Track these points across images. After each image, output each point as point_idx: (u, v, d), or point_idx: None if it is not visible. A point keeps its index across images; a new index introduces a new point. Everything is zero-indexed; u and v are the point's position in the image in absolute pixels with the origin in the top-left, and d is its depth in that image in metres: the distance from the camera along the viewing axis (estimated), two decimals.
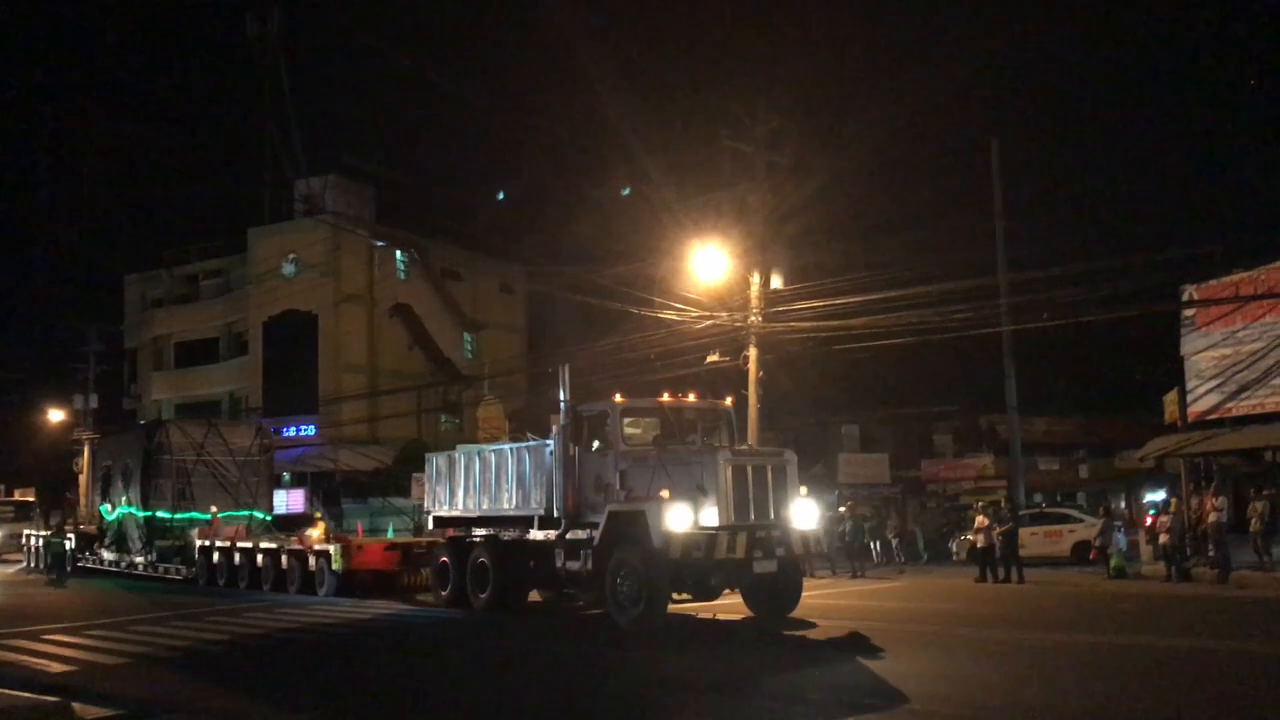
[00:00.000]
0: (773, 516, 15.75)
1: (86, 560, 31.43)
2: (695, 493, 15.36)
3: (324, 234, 44.72)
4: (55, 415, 49.42)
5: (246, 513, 28.88)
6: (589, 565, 16.47)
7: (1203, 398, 24.95)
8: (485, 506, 19.33)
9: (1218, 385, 24.53)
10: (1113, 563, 23.43)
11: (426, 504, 21.44)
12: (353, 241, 45.08)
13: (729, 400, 18.41)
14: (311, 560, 22.95)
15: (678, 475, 15.73)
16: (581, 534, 16.82)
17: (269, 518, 29.87)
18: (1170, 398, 26.97)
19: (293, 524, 29.73)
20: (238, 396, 47.98)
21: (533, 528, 18.02)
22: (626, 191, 45.67)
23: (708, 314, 24.88)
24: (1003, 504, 26.77)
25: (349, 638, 16.18)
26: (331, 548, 22.38)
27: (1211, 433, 24.69)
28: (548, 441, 17.85)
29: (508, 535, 18.79)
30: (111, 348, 50.97)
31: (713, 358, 24.98)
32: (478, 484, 19.56)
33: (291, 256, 46.78)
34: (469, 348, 50.75)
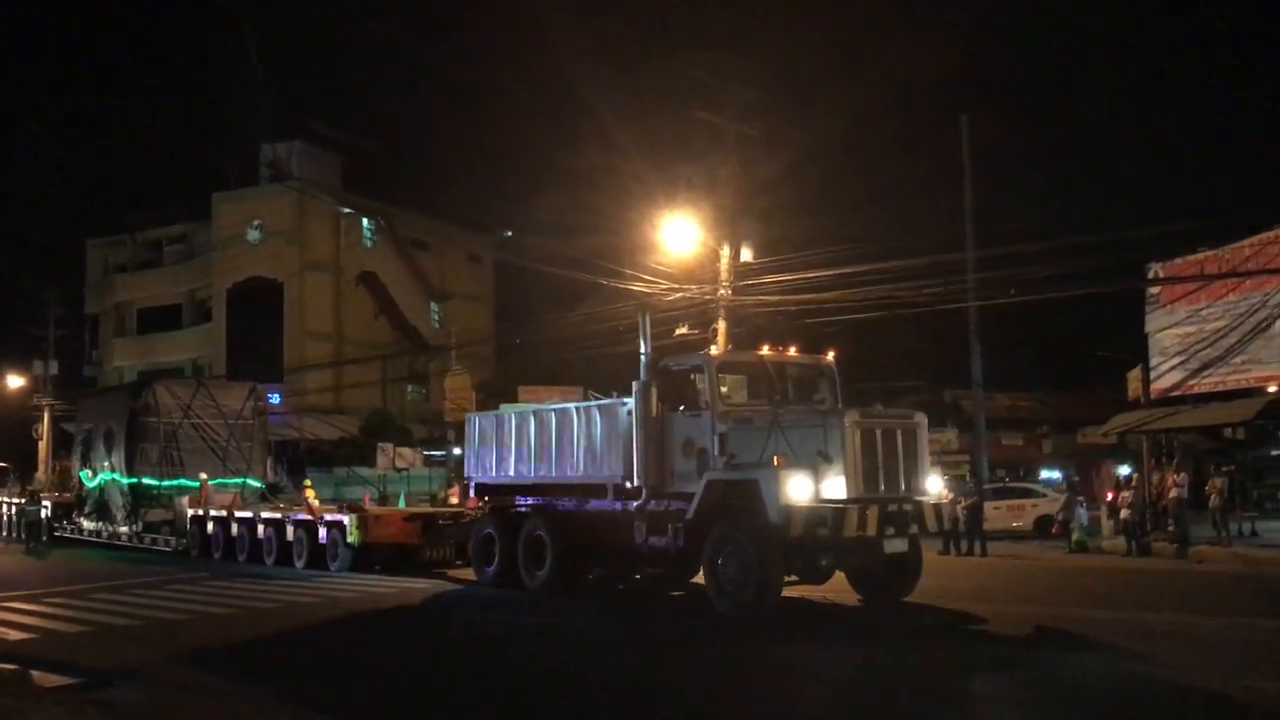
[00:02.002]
0: (904, 488, 13.86)
1: (64, 530, 29.92)
2: (816, 460, 13.33)
3: (290, 200, 44.33)
4: (14, 381, 48.74)
5: (239, 480, 27.15)
6: (679, 542, 14.57)
7: (1166, 375, 25.21)
8: (542, 473, 17.33)
9: (1181, 363, 24.80)
10: (1074, 537, 23.69)
11: (466, 470, 19.56)
12: (319, 209, 44.66)
13: (830, 355, 16.26)
14: (322, 531, 21.17)
15: (795, 439, 13.64)
16: (667, 506, 14.96)
17: (263, 485, 28.05)
18: (1134, 374, 27.24)
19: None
20: (201, 364, 47.55)
21: (604, 498, 16.09)
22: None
23: (677, 286, 24.80)
24: (967, 478, 26.94)
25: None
26: (346, 518, 20.61)
27: (1174, 409, 24.97)
28: (625, 400, 15.86)
29: (569, 505, 16.90)
30: (72, 313, 50.33)
31: (681, 330, 24.92)
32: (533, 447, 17.47)
33: (256, 223, 46.30)
34: (436, 318, 50.48)
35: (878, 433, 13.78)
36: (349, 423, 42.01)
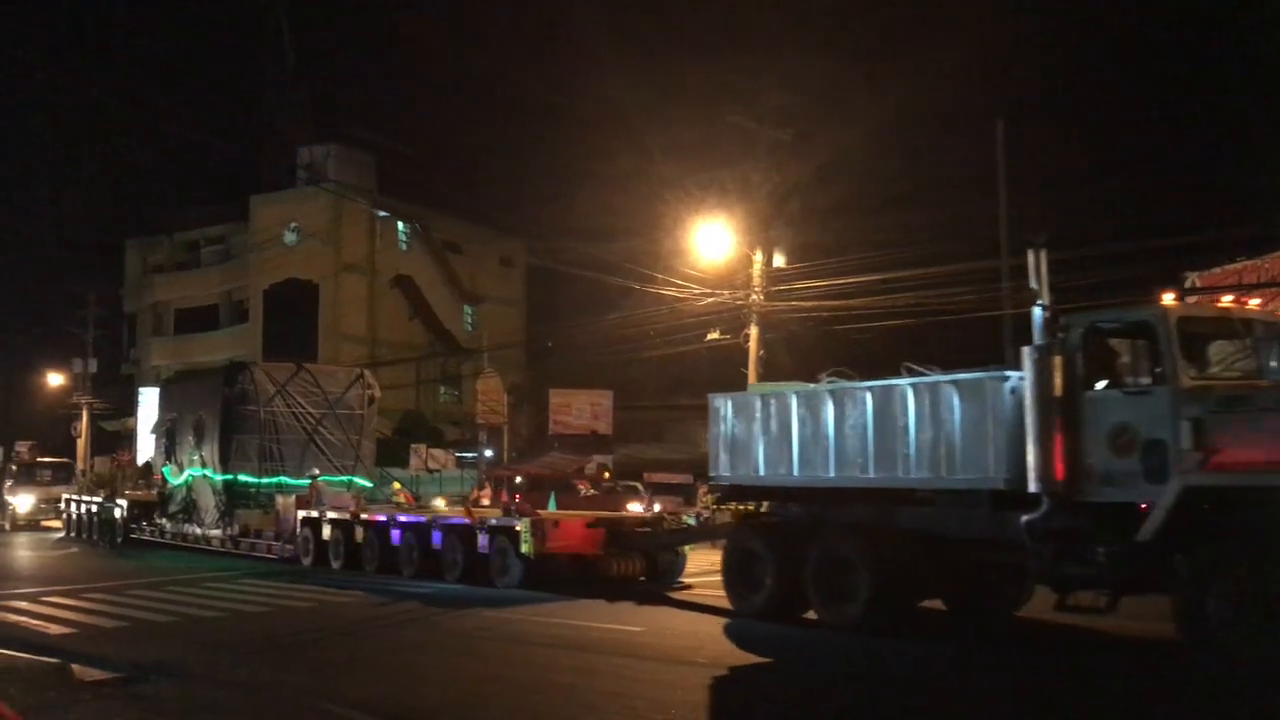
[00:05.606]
0: None
1: (141, 531, 27.06)
2: None
3: (326, 203, 44.68)
4: (54, 379, 49.45)
5: (345, 478, 24.36)
6: (1122, 571, 10.85)
7: None
8: (852, 473, 13.42)
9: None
10: None
11: (714, 468, 15.44)
12: (354, 211, 45.01)
13: None
14: (482, 539, 17.79)
15: None
16: (1048, 520, 11.22)
17: (372, 484, 25.49)
18: None
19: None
20: None
21: (975, 507, 12.17)
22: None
23: (709, 291, 24.86)
24: None
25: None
26: (519, 523, 17.13)
27: None
28: (1005, 373, 12.22)
29: (884, 517, 13.20)
30: (111, 312, 51.04)
31: (713, 335, 25.01)
32: (831, 438, 13.60)
33: (293, 225, 46.72)
34: (468, 320, 50.74)
35: None
36: (382, 424, 42.20)
